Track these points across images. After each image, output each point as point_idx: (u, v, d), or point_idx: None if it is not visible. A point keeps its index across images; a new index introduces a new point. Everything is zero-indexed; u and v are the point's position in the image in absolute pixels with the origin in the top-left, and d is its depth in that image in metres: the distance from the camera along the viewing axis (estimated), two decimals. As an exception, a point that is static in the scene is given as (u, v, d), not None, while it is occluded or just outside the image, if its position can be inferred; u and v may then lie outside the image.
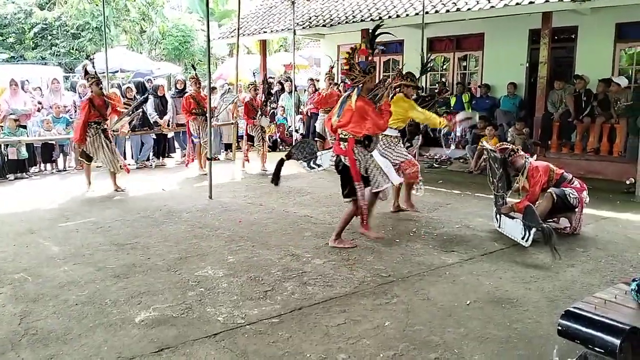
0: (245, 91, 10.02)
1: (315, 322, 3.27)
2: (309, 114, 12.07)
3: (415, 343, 3.00)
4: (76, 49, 23.43)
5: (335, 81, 10.29)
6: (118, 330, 3.17)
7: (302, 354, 2.88)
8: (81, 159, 7.57)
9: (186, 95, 9.23)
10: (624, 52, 9.64)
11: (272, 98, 9.56)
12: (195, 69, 9.84)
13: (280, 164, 5.08)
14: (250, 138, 9.35)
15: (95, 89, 7.14)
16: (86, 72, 7.28)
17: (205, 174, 8.75)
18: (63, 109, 9.80)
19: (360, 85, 4.45)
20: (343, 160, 4.58)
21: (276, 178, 5.11)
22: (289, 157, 5.17)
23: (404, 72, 6.19)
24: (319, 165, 5.26)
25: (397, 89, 5.88)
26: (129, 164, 9.84)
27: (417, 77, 6.12)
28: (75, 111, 10.11)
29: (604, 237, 5.16)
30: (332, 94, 9.69)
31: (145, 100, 8.32)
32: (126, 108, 7.88)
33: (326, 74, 9.93)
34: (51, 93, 10.26)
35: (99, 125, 7.17)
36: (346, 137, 4.53)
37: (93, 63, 7.39)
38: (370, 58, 4.51)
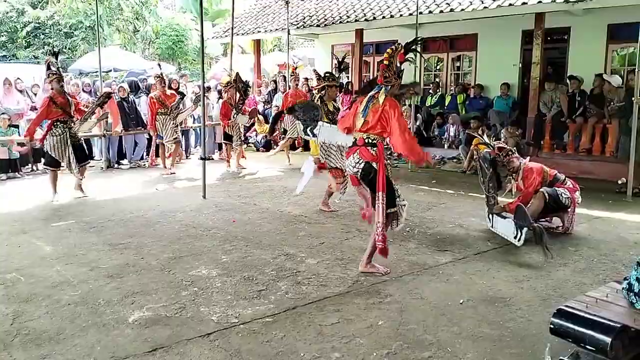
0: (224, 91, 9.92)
1: (309, 322, 3.27)
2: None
3: (409, 342, 3.01)
4: (69, 48, 23.28)
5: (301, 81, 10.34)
6: (111, 330, 3.16)
7: (296, 353, 2.89)
8: (46, 167, 6.98)
9: (150, 96, 9.01)
10: (616, 53, 9.72)
11: (247, 97, 9.54)
12: (160, 67, 9.72)
13: (278, 115, 5.03)
14: (228, 137, 9.28)
15: (56, 86, 6.61)
16: (48, 68, 6.78)
17: (173, 174, 8.75)
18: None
19: (388, 87, 4.01)
20: (375, 166, 3.94)
21: (271, 127, 5.41)
22: (290, 111, 4.93)
23: (322, 74, 6.21)
24: (314, 135, 5.02)
25: (322, 92, 5.88)
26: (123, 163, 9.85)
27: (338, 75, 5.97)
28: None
29: (596, 236, 5.19)
30: (299, 93, 9.73)
31: (107, 97, 7.95)
32: (87, 107, 7.37)
33: (291, 75, 9.96)
34: (44, 92, 10.20)
35: (66, 125, 6.67)
36: (374, 141, 3.97)
37: (57, 57, 6.86)
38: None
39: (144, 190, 7.57)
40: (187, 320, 3.28)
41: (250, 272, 4.12)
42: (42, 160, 9.25)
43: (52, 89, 6.78)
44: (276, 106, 12.49)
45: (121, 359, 2.82)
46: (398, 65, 4.07)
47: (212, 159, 10.60)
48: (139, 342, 3.01)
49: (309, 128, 4.90)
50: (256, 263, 4.35)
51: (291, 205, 6.51)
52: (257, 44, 14.52)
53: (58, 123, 6.66)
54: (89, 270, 4.18)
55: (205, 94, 8.53)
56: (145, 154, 10.21)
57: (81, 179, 6.97)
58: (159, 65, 10.29)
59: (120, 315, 3.36)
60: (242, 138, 9.37)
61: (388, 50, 4.08)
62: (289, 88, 10.61)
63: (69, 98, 6.88)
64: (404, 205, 4.14)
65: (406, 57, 4.10)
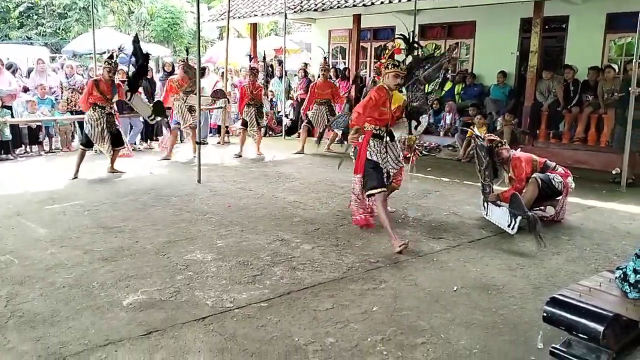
0: (241, 76, 9.82)
1: (303, 307, 3.28)
2: (298, 100, 12.01)
3: (403, 328, 3.03)
4: (63, 29, 22.99)
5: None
6: (106, 313, 3.16)
7: (291, 337, 2.90)
8: (82, 147, 7.24)
9: (171, 78, 8.93)
10: (614, 43, 9.68)
11: (270, 80, 9.43)
12: (188, 53, 9.53)
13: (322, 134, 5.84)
14: (244, 123, 9.23)
15: (106, 75, 6.99)
16: (111, 57, 7.15)
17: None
18: (49, 90, 9.65)
19: (382, 79, 4.53)
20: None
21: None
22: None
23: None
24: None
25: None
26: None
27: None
28: (62, 92, 9.98)
29: (589, 226, 5.23)
30: (327, 84, 9.62)
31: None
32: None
33: (320, 64, 9.85)
34: (36, 74, 10.09)
35: (103, 110, 6.99)
36: (364, 129, 4.50)
37: (121, 52, 7.34)
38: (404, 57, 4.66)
39: (138, 173, 7.53)
40: (181, 304, 3.28)
41: (245, 257, 4.12)
42: (36, 142, 9.27)
43: (101, 74, 7.14)
44: (271, 91, 12.41)
45: (115, 342, 2.83)
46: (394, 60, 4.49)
47: (206, 143, 10.52)
48: (134, 325, 3.01)
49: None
50: (251, 248, 4.35)
51: (286, 192, 6.50)
52: (254, 27, 14.36)
53: (96, 107, 6.96)
54: (83, 253, 4.17)
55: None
56: (139, 137, 10.15)
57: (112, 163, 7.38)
58: (187, 50, 9.93)
59: (114, 298, 3.36)
60: (259, 123, 9.13)
61: (385, 52, 4.50)
62: (318, 77, 10.35)
63: (114, 87, 7.12)
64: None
65: (406, 50, 4.52)
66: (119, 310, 3.19)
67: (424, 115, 4.77)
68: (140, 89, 8.12)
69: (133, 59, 7.50)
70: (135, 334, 2.91)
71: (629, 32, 8.79)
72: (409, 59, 5.07)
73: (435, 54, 4.93)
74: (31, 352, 2.73)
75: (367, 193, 4.54)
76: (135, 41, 7.26)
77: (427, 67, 4.92)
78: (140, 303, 3.29)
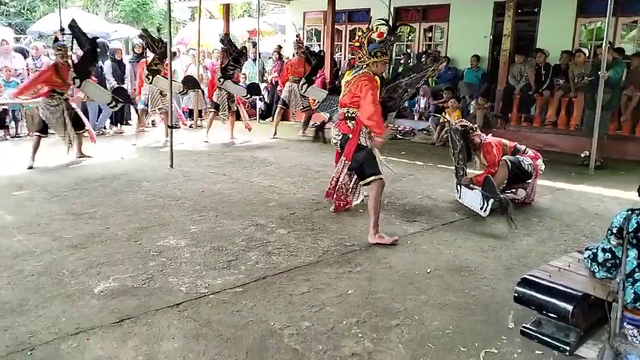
0: (213, 57, 9.59)
1: (279, 291, 3.28)
2: (273, 82, 11.87)
3: (378, 310, 3.05)
4: (27, 9, 22.16)
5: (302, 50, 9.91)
6: (76, 301, 3.10)
7: (266, 322, 2.89)
8: (37, 133, 6.88)
9: (142, 60, 8.83)
10: (584, 27, 9.84)
11: (241, 62, 9.16)
12: (159, 32, 9.11)
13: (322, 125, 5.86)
14: (215, 106, 9.07)
15: (60, 59, 6.71)
16: (56, 40, 6.94)
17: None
18: (14, 73, 9.31)
19: (363, 66, 4.22)
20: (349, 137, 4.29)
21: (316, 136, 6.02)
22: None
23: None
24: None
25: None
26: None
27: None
28: (28, 75, 9.64)
29: (559, 207, 5.34)
30: (300, 63, 9.51)
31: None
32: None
33: (295, 43, 9.69)
34: (0, 55, 9.71)
35: (62, 96, 6.81)
36: (353, 115, 4.23)
37: (63, 33, 7.02)
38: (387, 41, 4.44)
39: (108, 158, 7.37)
40: (155, 291, 3.24)
41: (219, 243, 4.09)
42: (2, 126, 8.95)
43: (56, 58, 6.84)
44: (244, 74, 12.20)
45: (87, 330, 2.77)
46: (375, 44, 4.26)
47: (178, 127, 10.33)
48: (105, 313, 2.96)
49: (335, 114, 5.19)
50: (226, 233, 4.31)
51: (261, 176, 6.46)
52: (226, 8, 14.08)
53: (55, 93, 6.75)
54: (52, 240, 4.06)
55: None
56: (108, 121, 9.91)
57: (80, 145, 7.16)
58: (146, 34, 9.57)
59: (85, 286, 3.29)
60: (230, 107, 8.86)
61: (359, 33, 4.30)
62: (293, 56, 10.16)
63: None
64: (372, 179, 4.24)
65: (386, 35, 4.41)
66: (90, 298, 3.13)
67: (391, 113, 4.75)
68: (94, 77, 7.85)
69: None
70: (107, 321, 2.87)
71: (599, 17, 8.93)
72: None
73: (424, 65, 4.87)
74: (-1, 342, 2.66)
75: (366, 180, 4.27)
76: (72, 26, 6.96)
77: (412, 76, 4.83)
78: (112, 290, 3.24)
